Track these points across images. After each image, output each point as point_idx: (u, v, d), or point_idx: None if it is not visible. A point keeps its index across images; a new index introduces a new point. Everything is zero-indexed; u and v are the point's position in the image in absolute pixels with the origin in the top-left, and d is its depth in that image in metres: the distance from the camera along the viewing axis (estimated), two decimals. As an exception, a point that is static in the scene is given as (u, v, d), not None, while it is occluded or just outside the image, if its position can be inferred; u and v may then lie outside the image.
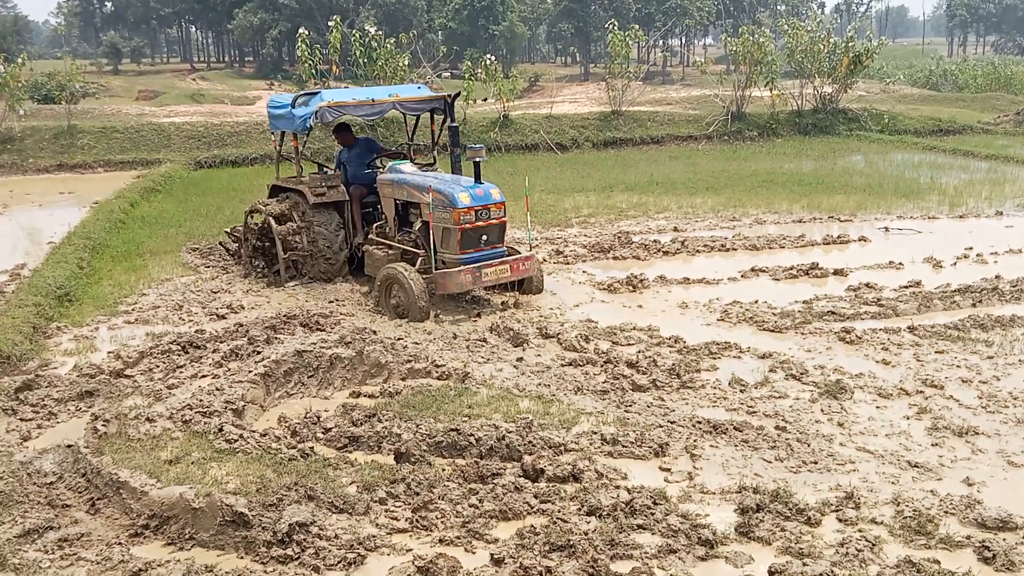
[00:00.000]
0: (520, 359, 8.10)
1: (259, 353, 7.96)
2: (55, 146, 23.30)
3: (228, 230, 12.54)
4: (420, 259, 9.81)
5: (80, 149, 23.26)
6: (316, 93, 10.69)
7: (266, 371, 7.44)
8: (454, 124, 10.91)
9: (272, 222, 10.83)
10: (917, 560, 4.64)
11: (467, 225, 9.43)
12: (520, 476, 5.75)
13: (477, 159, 9.78)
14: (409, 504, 5.44)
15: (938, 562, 4.68)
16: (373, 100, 10.68)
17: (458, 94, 12.01)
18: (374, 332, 8.56)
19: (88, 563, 4.94)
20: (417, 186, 9.93)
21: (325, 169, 11.42)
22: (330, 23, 24.59)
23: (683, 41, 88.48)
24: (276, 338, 8.37)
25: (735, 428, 6.54)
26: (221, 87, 57.89)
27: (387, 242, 10.44)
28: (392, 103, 10.77)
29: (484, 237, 9.63)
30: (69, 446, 6.22)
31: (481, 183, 9.73)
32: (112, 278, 11.37)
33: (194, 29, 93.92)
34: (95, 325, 9.50)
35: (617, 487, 5.61)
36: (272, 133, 11.78)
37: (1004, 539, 4.95)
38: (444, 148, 11.53)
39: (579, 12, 77.95)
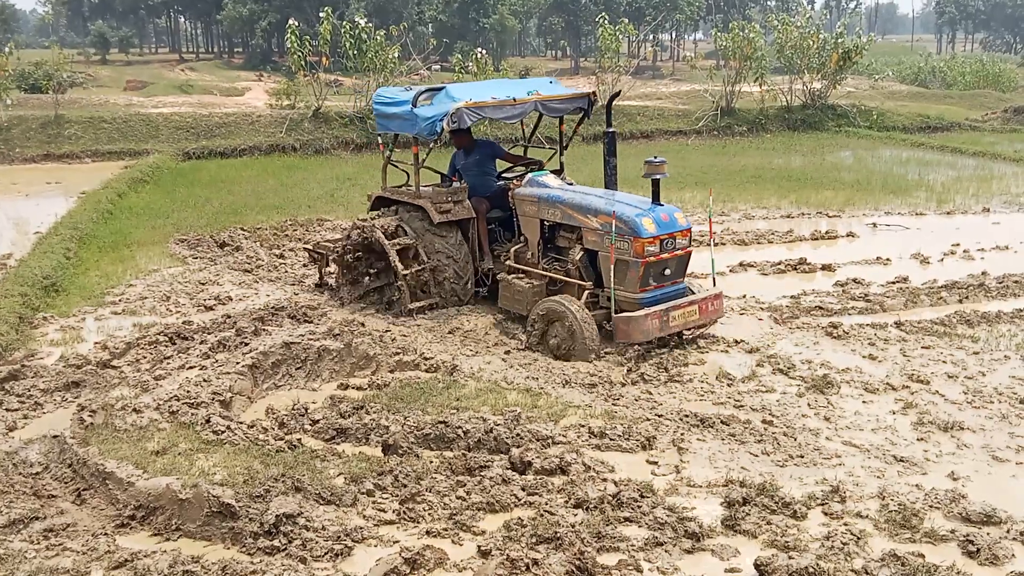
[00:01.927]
0: (508, 352, 8.09)
1: (247, 344, 7.94)
2: (42, 136, 23.15)
3: (309, 247, 10.75)
4: (586, 292, 8.20)
5: (67, 139, 23.12)
6: (439, 89, 9.10)
7: (254, 363, 7.43)
8: (611, 129, 9.29)
9: (384, 241, 8.94)
10: (902, 554, 4.67)
11: (651, 258, 7.82)
12: (508, 468, 5.75)
13: (657, 175, 8.07)
14: (396, 496, 5.44)
15: (922, 556, 4.71)
16: (515, 100, 8.99)
17: (618, 93, 10.30)
18: (362, 324, 8.55)
19: (74, 553, 4.93)
20: (579, 207, 8.31)
21: (448, 180, 9.53)
22: (321, 14, 24.48)
23: (673, 36, 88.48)
24: (264, 330, 8.35)
25: (722, 422, 6.57)
26: (210, 78, 57.55)
27: (530, 270, 8.79)
28: (535, 103, 9.16)
29: (666, 271, 8.06)
30: (55, 436, 6.21)
31: (662, 204, 8.15)
32: (99, 269, 11.31)
33: (183, 19, 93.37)
34: (82, 316, 9.46)
35: (604, 480, 5.63)
36: (379, 135, 10.20)
37: (988, 533, 4.98)
38: (559, 149, 9.94)
39: (569, 6, 77.84)
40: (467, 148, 9.65)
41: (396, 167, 9.78)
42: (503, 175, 9.70)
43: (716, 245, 12.64)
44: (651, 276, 7.95)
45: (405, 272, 8.90)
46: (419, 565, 4.68)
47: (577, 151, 16.52)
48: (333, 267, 10.02)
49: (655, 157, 8.19)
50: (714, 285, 8.59)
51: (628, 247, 7.82)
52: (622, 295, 7.94)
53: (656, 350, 8.12)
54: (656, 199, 8.16)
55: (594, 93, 9.83)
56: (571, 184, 9.21)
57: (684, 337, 8.39)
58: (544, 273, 8.64)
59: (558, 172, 9.51)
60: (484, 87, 9.54)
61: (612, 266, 7.88)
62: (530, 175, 9.12)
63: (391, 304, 9.29)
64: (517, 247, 9.01)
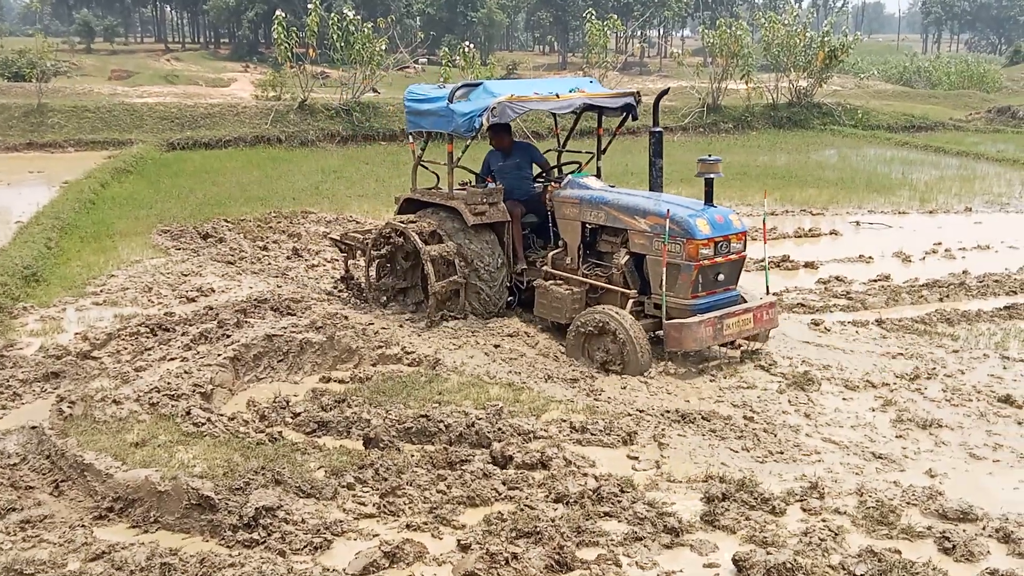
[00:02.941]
0: (497, 346, 8.08)
1: (229, 337, 7.90)
2: (25, 124, 23.00)
3: (337, 237, 10.24)
4: (631, 300, 7.83)
5: (50, 128, 22.98)
6: (477, 84, 8.72)
7: (235, 355, 7.39)
8: (658, 129, 8.73)
9: (420, 244, 8.49)
10: (879, 550, 4.69)
11: (705, 262, 7.41)
12: (489, 463, 5.75)
13: (712, 175, 7.66)
14: (377, 489, 5.43)
15: (899, 552, 4.74)
16: (558, 95, 8.64)
17: (666, 91, 9.71)
18: (345, 317, 8.52)
19: (51, 545, 4.90)
20: (626, 208, 7.88)
21: (483, 180, 9.16)
22: (309, 5, 24.39)
23: (661, 32, 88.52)
24: (246, 322, 8.31)
25: (703, 418, 6.58)
26: (195, 68, 57.21)
27: (569, 276, 8.38)
28: (581, 100, 8.85)
29: (719, 276, 7.62)
30: (34, 427, 6.16)
31: (715, 206, 7.75)
32: (81, 259, 11.24)
33: (169, 9, 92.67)
34: (62, 306, 9.40)
35: (585, 475, 5.64)
36: (410, 133, 9.59)
37: (964, 530, 5.01)
38: (597, 153, 9.52)
39: (558, 1, 77.79)
40: (506, 150, 9.26)
41: (426, 168, 9.43)
42: (539, 179, 9.38)
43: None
44: (704, 281, 7.53)
45: (440, 285, 8.49)
46: (399, 559, 4.67)
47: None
48: (360, 260, 9.69)
49: (709, 155, 7.77)
50: (767, 292, 8.27)
51: (681, 250, 7.39)
52: (673, 301, 7.49)
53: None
54: (709, 200, 7.75)
55: (639, 92, 9.42)
56: (612, 187, 8.79)
57: (737, 346, 8.09)
58: (584, 280, 8.22)
59: (596, 177, 9.04)
60: (525, 85, 9.18)
61: (663, 269, 7.44)
62: (570, 176, 8.74)
63: (417, 307, 9.02)
64: (555, 252, 8.58)
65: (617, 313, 7.52)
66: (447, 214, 8.78)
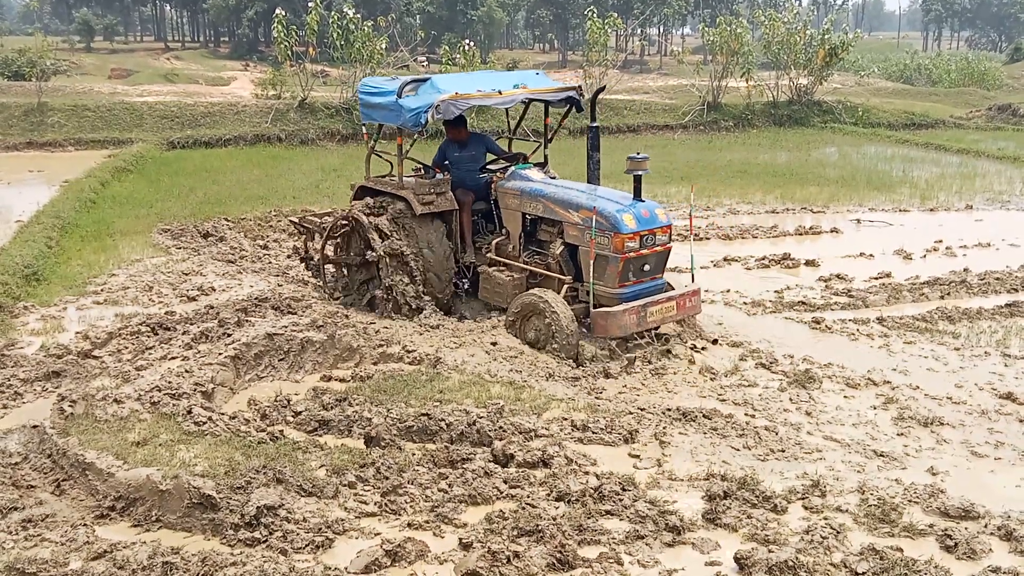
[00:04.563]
0: (495, 343, 8.08)
1: (229, 335, 7.89)
2: (25, 123, 22.96)
3: (295, 219, 10.65)
4: (565, 286, 8.24)
5: (50, 127, 22.94)
6: (425, 79, 8.97)
7: (236, 354, 7.39)
8: (595, 124, 9.05)
9: (376, 237, 8.83)
10: (880, 548, 4.70)
11: (630, 253, 7.83)
12: (490, 461, 5.75)
13: (639, 172, 8.07)
14: (378, 488, 5.43)
15: (901, 550, 4.74)
16: (500, 92, 8.89)
17: (602, 88, 10.16)
18: (346, 316, 8.53)
19: (53, 544, 4.90)
20: (561, 201, 8.28)
21: (432, 171, 9.37)
22: (309, 4, 24.36)
23: (661, 30, 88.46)
24: (247, 320, 8.31)
25: (704, 416, 6.59)
26: (195, 67, 57.21)
27: (510, 263, 8.79)
28: (523, 95, 9.08)
29: (645, 267, 8.05)
30: (35, 426, 6.16)
31: (643, 200, 8.12)
32: (81, 258, 11.24)
33: (168, 7, 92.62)
34: (63, 305, 9.39)
35: (586, 473, 5.64)
36: (364, 124, 10.01)
37: (966, 528, 5.02)
38: (543, 142, 9.79)
39: (558, -1, 77.80)
40: (462, 141, 9.45)
41: (380, 157, 9.68)
42: (486, 168, 9.59)
43: (699, 239, 12.67)
44: (630, 272, 7.93)
45: (385, 256, 8.78)
46: (400, 557, 4.68)
47: (563, 145, 16.48)
48: (318, 242, 9.88)
49: (638, 153, 8.23)
50: (692, 281, 8.58)
51: (608, 242, 7.80)
52: (601, 290, 7.91)
53: (633, 342, 8.14)
54: (637, 195, 8.12)
55: (580, 87, 9.71)
56: (555, 178, 9.20)
57: (662, 332, 8.33)
58: (524, 267, 8.62)
59: (542, 165, 9.42)
60: (471, 79, 9.40)
61: (592, 261, 7.83)
62: (513, 168, 9.07)
63: (372, 303, 9.16)
64: (499, 240, 8.98)
65: (548, 296, 7.95)
66: (398, 203, 9.02)
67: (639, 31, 74.10)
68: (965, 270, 10.89)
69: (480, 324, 8.59)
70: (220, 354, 7.38)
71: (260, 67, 51.36)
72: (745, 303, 9.63)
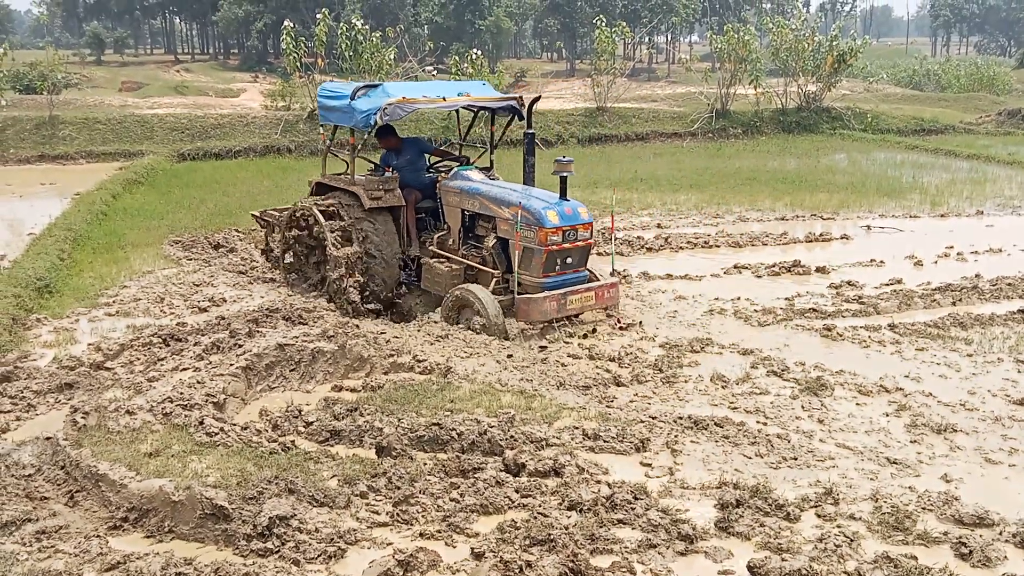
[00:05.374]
0: (510, 356, 8.09)
1: (241, 346, 7.91)
2: (36, 137, 23.12)
3: (256, 213, 11.58)
4: (494, 279, 9.01)
5: (62, 140, 23.10)
6: (376, 85, 9.79)
7: (248, 364, 7.40)
8: (531, 131, 9.95)
9: (329, 236, 9.60)
10: (895, 556, 4.67)
11: (553, 247, 8.63)
12: (501, 470, 5.74)
13: (564, 173, 8.89)
14: (390, 498, 5.43)
15: (915, 558, 4.72)
16: (444, 99, 9.61)
17: (537, 98, 10.94)
18: (356, 326, 8.53)
19: (66, 555, 4.91)
20: (495, 199, 9.09)
21: (381, 170, 10.17)
22: (318, 15, 24.49)
23: (669, 38, 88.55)
24: (258, 331, 8.32)
25: (716, 424, 6.57)
26: (205, 79, 57.49)
27: (450, 256, 9.54)
28: (465, 102, 9.87)
29: (568, 259, 8.85)
30: (48, 438, 6.18)
31: (567, 200, 8.93)
32: (93, 270, 11.29)
33: (178, 20, 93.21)
34: (75, 317, 9.43)
35: (598, 482, 5.62)
36: (322, 125, 10.77)
37: (981, 535, 4.99)
38: (489, 148, 10.55)
39: (565, 8, 77.83)
40: (396, 149, 10.25)
41: (337, 156, 10.49)
42: (433, 167, 10.44)
43: (709, 247, 12.67)
44: (554, 263, 8.73)
45: (333, 246, 9.50)
46: (412, 567, 4.67)
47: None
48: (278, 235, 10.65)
49: (563, 157, 9.14)
50: (613, 274, 9.45)
51: (534, 236, 8.60)
52: (528, 279, 8.74)
53: (644, 351, 8.14)
54: (563, 195, 8.91)
55: (521, 97, 10.41)
56: (496, 179, 9.92)
57: (587, 320, 9.12)
58: (462, 260, 9.39)
59: (487, 169, 10.13)
60: (419, 87, 10.30)
61: (519, 252, 8.67)
62: (456, 169, 9.92)
63: (319, 281, 9.98)
64: (440, 234, 9.78)
65: (476, 290, 8.73)
66: (349, 198, 9.77)
67: (647, 39, 74.16)
68: (977, 276, 10.86)
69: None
70: (231, 365, 7.39)
71: (269, 78, 51.59)
72: (756, 310, 9.61)
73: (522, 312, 8.66)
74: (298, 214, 10.19)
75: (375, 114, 9.12)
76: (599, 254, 11.16)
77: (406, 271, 10.00)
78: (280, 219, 10.56)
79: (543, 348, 8.35)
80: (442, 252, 9.61)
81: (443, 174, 10.11)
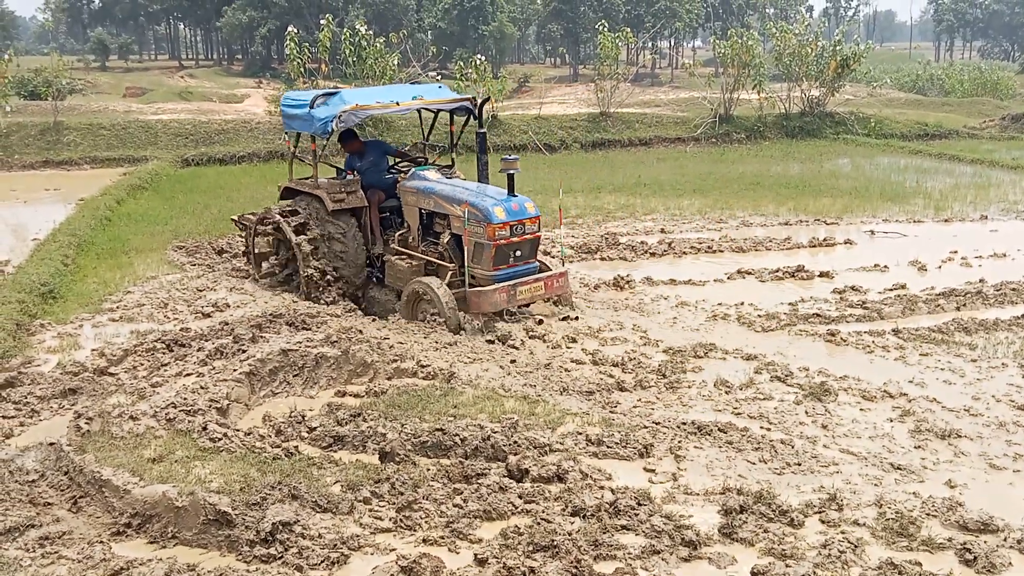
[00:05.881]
0: (513, 361, 8.09)
1: (244, 352, 7.92)
2: (41, 142, 23.16)
3: (235, 217, 11.98)
4: (449, 272, 9.35)
5: (66, 146, 23.13)
6: (335, 93, 10.17)
7: (251, 370, 7.41)
8: (482, 130, 10.36)
9: (291, 235, 10.13)
10: (899, 562, 4.66)
11: (502, 241, 8.98)
12: (505, 476, 5.74)
13: (511, 171, 9.23)
14: (393, 504, 5.43)
15: (920, 564, 4.71)
16: (398, 103, 10.05)
17: (487, 99, 11.54)
18: (360, 332, 8.54)
19: (69, 561, 4.91)
20: (447, 197, 9.45)
21: (344, 173, 10.59)
22: (321, 21, 24.54)
23: (672, 43, 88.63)
24: (262, 337, 8.34)
25: (719, 429, 6.56)
26: (209, 85, 57.67)
27: (411, 252, 9.91)
28: (419, 105, 10.28)
29: (517, 252, 9.20)
30: (51, 444, 6.19)
31: (515, 196, 9.28)
32: (97, 275, 11.31)
33: (182, 26, 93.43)
34: (79, 323, 9.44)
35: (601, 488, 5.61)
36: (286, 132, 11.21)
37: (985, 541, 4.97)
38: (454, 149, 11.11)
39: (569, 13, 77.96)
40: (359, 152, 10.65)
41: (303, 161, 10.91)
42: (394, 169, 10.86)
43: (712, 252, 12.67)
44: (507, 256, 9.10)
45: (298, 246, 10.01)
46: (416, 573, 4.66)
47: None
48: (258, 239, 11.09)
49: (510, 155, 9.56)
50: (563, 265, 9.89)
51: (483, 231, 8.95)
52: (479, 272, 9.08)
53: (648, 356, 8.13)
54: (511, 191, 9.23)
55: (475, 98, 10.77)
56: (456, 177, 10.30)
57: (536, 309, 9.50)
58: (421, 256, 9.77)
59: (450, 167, 10.57)
60: (375, 92, 10.74)
61: (470, 248, 9.04)
62: (414, 170, 10.31)
63: (288, 279, 10.54)
64: (402, 232, 10.16)
65: (431, 283, 9.07)
66: (313, 201, 10.25)
67: (650, 44, 74.28)
68: (981, 281, 10.83)
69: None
70: (235, 370, 7.40)
71: (273, 84, 51.77)
72: (759, 315, 9.60)
73: (473, 304, 8.99)
74: (263, 217, 10.81)
75: (331, 121, 9.57)
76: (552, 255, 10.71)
77: (372, 268, 10.43)
78: (254, 222, 11.08)
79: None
80: (403, 249, 10.01)
81: (403, 174, 10.56)
